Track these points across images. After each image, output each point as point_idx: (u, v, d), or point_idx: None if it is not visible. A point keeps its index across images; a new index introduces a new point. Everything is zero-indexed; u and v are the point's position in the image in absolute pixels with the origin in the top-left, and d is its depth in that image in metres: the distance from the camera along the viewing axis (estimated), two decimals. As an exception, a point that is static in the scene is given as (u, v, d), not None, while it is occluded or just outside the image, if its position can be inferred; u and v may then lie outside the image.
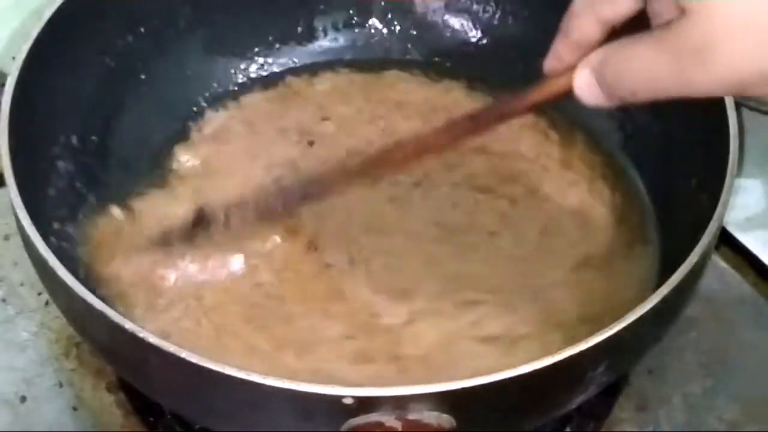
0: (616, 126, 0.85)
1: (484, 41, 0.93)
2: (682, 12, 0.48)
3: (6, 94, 0.71)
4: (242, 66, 0.91)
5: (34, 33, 0.75)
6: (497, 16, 0.92)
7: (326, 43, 0.93)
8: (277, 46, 0.92)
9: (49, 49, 0.76)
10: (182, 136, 0.86)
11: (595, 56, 0.53)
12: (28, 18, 0.94)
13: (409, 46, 0.94)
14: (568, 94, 0.55)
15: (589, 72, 0.53)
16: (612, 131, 0.86)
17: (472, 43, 0.93)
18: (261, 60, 0.92)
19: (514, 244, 0.78)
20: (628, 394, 0.79)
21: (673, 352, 0.81)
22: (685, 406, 0.79)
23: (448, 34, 0.93)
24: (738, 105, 0.72)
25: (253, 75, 0.92)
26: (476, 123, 0.62)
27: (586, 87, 0.54)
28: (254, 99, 0.90)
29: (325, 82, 0.91)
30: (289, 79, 0.91)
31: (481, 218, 0.80)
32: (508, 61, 0.90)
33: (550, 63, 0.57)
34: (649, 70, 0.50)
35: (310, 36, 0.93)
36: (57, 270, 0.62)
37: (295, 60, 0.93)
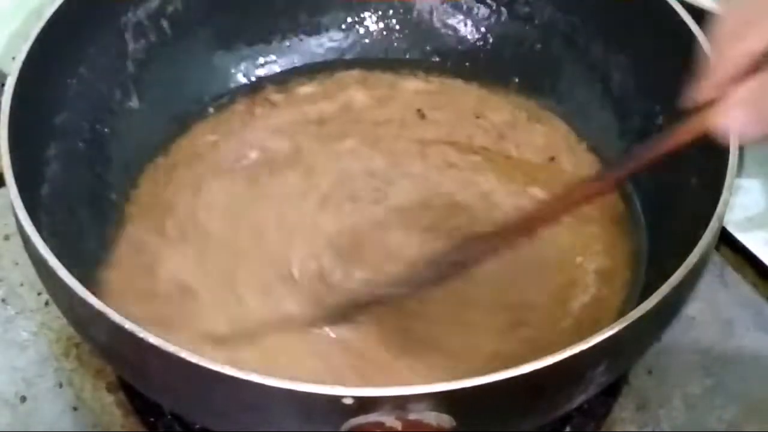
0: (615, 125, 0.85)
1: (484, 41, 0.93)
2: None
3: (6, 94, 0.71)
4: (242, 65, 0.91)
5: (34, 33, 0.75)
6: (496, 15, 0.92)
7: (327, 42, 0.94)
8: (277, 45, 0.92)
9: (49, 49, 0.76)
10: (184, 135, 0.86)
11: (748, 89, 0.51)
12: (27, 18, 0.94)
13: (409, 46, 0.94)
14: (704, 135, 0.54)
15: (743, 106, 0.51)
16: (611, 130, 0.86)
17: (472, 42, 0.93)
18: (261, 60, 0.92)
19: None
20: (627, 394, 0.79)
21: (673, 352, 0.81)
22: (684, 406, 0.79)
23: (448, 34, 0.93)
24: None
25: (252, 75, 0.92)
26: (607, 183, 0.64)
27: (740, 122, 0.52)
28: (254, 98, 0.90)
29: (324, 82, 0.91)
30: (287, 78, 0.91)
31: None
32: (508, 61, 0.91)
33: (693, 98, 0.55)
34: None
35: (310, 35, 0.93)
36: (57, 270, 0.62)
37: (295, 61, 0.93)
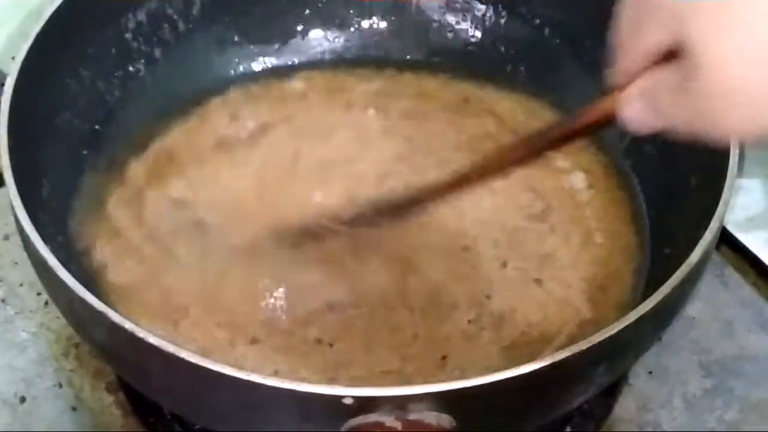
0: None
1: (483, 40, 0.93)
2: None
3: (5, 94, 0.71)
4: (240, 63, 0.92)
5: (34, 33, 0.75)
6: (495, 15, 0.92)
7: (325, 42, 0.94)
8: (276, 45, 0.92)
9: (49, 48, 0.76)
10: (183, 135, 0.87)
11: (644, 83, 0.52)
12: (27, 18, 0.94)
13: (408, 45, 0.94)
14: (612, 119, 0.54)
15: (639, 98, 0.52)
16: (611, 129, 0.86)
17: (471, 42, 0.93)
18: (261, 59, 0.92)
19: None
20: (628, 394, 0.79)
21: (673, 353, 0.81)
22: (685, 406, 0.79)
23: (447, 34, 0.94)
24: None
25: (251, 71, 0.92)
26: (529, 149, 0.63)
27: (636, 112, 0.52)
28: (251, 95, 0.90)
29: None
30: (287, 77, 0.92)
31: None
32: (507, 60, 0.91)
33: (608, 81, 0.55)
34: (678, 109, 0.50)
35: (308, 35, 0.93)
36: (56, 270, 0.62)
37: (294, 60, 0.93)
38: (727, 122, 0.48)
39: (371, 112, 0.89)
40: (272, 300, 0.75)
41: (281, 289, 0.75)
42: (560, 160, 0.84)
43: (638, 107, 0.52)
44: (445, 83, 0.91)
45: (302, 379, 0.69)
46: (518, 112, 0.88)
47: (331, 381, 0.70)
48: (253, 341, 0.73)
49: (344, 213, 0.77)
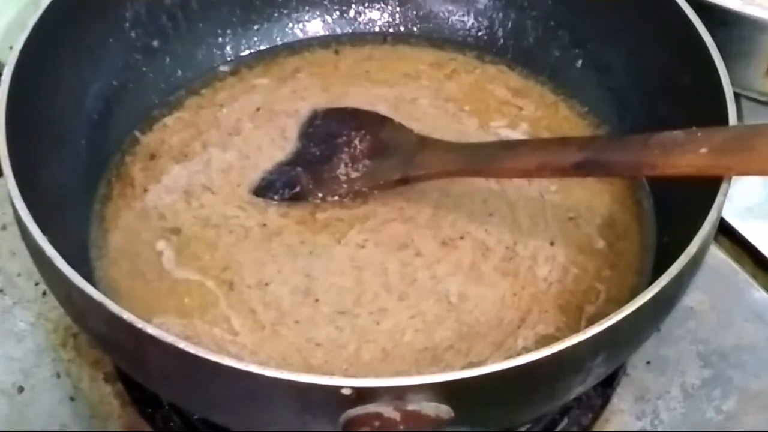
0: (616, 114, 0.86)
1: (480, 25, 0.93)
2: None
3: (3, 84, 0.71)
4: (243, 41, 0.92)
5: (31, 22, 0.75)
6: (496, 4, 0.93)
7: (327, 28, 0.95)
8: (266, 25, 0.93)
9: (47, 38, 0.76)
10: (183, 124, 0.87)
11: None
12: (25, 7, 0.94)
13: (409, 29, 0.95)
14: None
15: None
16: (612, 119, 0.86)
17: (473, 29, 0.94)
18: (255, 38, 0.93)
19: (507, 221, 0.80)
20: (626, 384, 0.79)
21: (671, 343, 0.81)
22: (683, 396, 0.79)
23: (449, 21, 0.94)
24: (737, 96, 0.72)
25: (252, 50, 0.93)
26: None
27: None
28: (257, 74, 0.92)
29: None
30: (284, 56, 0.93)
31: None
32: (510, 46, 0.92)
33: None
34: None
35: (305, 20, 0.94)
36: (54, 260, 0.62)
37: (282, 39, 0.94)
38: None
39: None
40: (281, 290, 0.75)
41: (291, 282, 0.76)
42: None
43: None
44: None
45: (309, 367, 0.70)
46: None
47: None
48: (254, 330, 0.73)
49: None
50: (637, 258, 0.78)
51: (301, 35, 0.94)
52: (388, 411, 0.57)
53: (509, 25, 0.93)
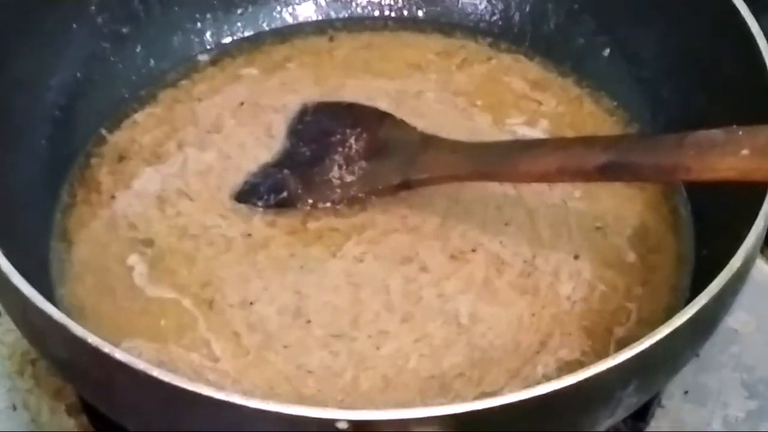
0: (648, 110, 0.86)
1: (499, 11, 0.94)
2: None
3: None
4: (225, 27, 0.93)
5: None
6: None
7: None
8: (251, 9, 0.94)
9: (6, 23, 0.76)
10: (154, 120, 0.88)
11: None
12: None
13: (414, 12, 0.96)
14: None
15: None
16: (643, 116, 0.86)
17: (486, 13, 0.94)
18: (241, 22, 0.94)
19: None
20: (661, 417, 0.79)
21: (712, 370, 0.81)
22: (725, 430, 0.79)
23: (459, 3, 0.95)
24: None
25: (234, 37, 0.94)
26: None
27: None
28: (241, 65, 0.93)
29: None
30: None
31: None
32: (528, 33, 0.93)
33: None
34: None
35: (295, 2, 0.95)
36: (9, 275, 0.62)
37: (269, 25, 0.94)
38: None
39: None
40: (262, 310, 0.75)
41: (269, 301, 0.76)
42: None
43: None
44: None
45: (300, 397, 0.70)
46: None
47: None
48: (237, 355, 0.73)
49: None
50: (672, 273, 0.78)
51: (290, 20, 0.95)
52: (390, 447, 0.57)
53: (527, 9, 0.93)
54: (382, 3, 0.96)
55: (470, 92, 0.89)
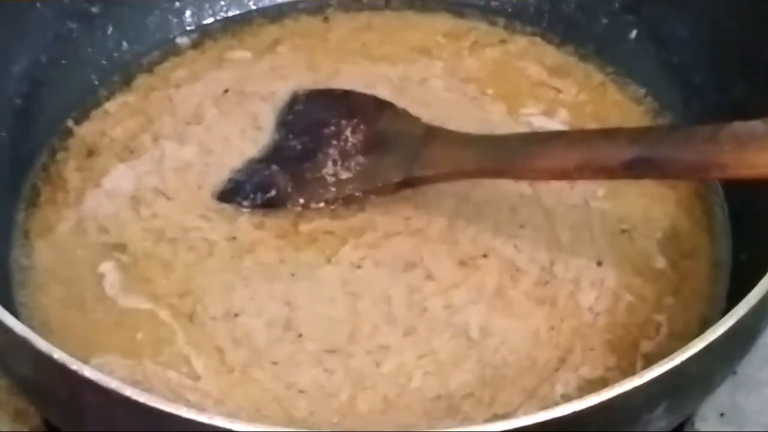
0: (679, 98, 0.87)
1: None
2: None
3: None
4: (207, 6, 0.94)
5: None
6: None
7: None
8: None
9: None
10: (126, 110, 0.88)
11: None
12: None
13: None
14: None
15: None
16: (675, 105, 0.87)
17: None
18: (225, 0, 0.95)
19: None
20: (694, 442, 0.79)
21: (751, 389, 0.81)
22: (766, 457, 0.79)
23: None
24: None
25: (218, 17, 0.95)
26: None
27: None
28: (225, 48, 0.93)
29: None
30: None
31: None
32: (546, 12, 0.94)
33: None
34: None
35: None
36: (-34, 284, 0.63)
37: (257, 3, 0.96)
38: None
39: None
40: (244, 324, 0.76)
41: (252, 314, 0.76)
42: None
43: None
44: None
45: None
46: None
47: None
48: (220, 372, 0.73)
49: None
50: (706, 281, 0.78)
51: (281, -2, 0.95)
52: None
53: (544, -15, 0.94)
54: (383, -21, 0.96)
55: (481, 79, 0.90)
